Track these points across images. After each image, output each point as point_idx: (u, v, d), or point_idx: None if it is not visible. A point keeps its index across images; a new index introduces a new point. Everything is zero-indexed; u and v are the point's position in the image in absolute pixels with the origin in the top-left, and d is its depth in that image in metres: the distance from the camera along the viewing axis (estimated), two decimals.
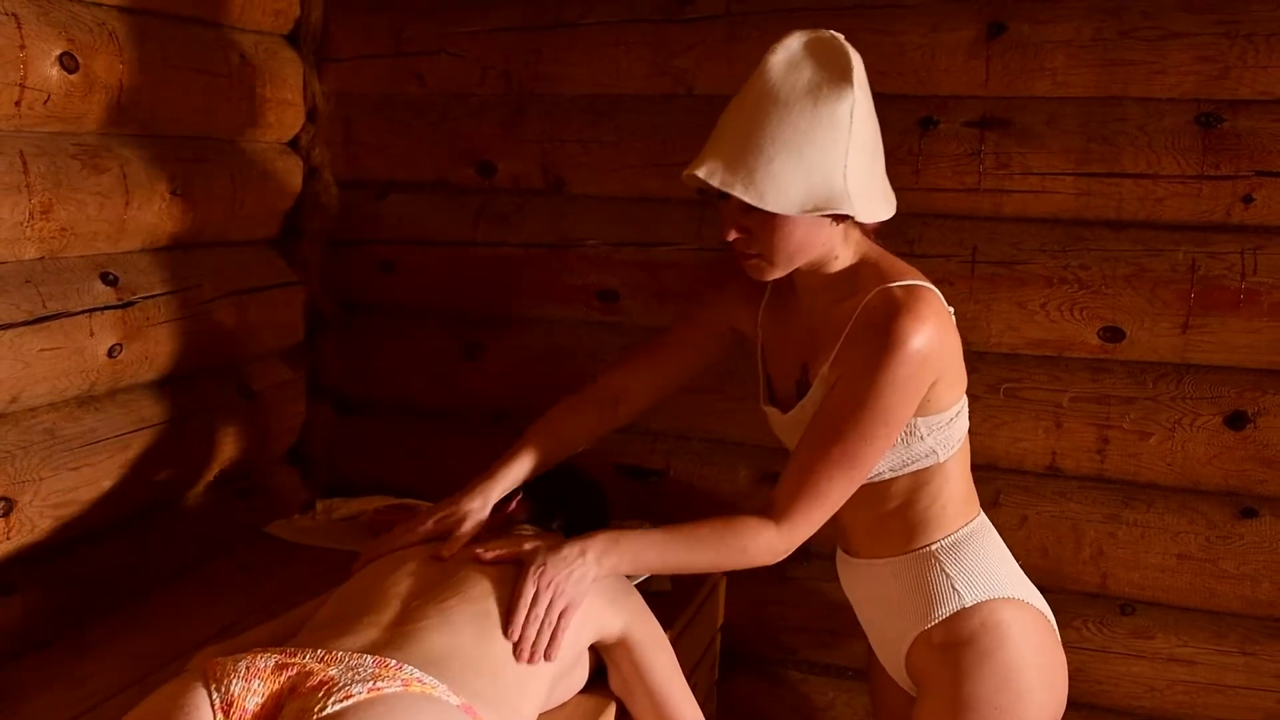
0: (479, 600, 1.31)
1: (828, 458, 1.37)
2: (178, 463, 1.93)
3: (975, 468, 1.57)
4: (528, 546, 1.41)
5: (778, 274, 1.44)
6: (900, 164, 1.88)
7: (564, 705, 1.45)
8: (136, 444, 1.82)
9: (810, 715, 2.14)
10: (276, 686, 1.10)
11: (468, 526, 1.50)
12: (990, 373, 1.91)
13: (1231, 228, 1.77)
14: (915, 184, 1.89)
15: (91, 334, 1.70)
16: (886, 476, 1.45)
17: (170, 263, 1.90)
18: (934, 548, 1.47)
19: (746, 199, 1.33)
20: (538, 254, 2.17)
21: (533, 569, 1.35)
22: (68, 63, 1.61)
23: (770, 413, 1.58)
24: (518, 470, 1.59)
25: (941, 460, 1.45)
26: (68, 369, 1.67)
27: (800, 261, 1.42)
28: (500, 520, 1.59)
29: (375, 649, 1.18)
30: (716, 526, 1.43)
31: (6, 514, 1.58)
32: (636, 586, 1.59)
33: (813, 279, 1.48)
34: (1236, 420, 1.80)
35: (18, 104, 1.55)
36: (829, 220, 1.39)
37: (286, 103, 2.18)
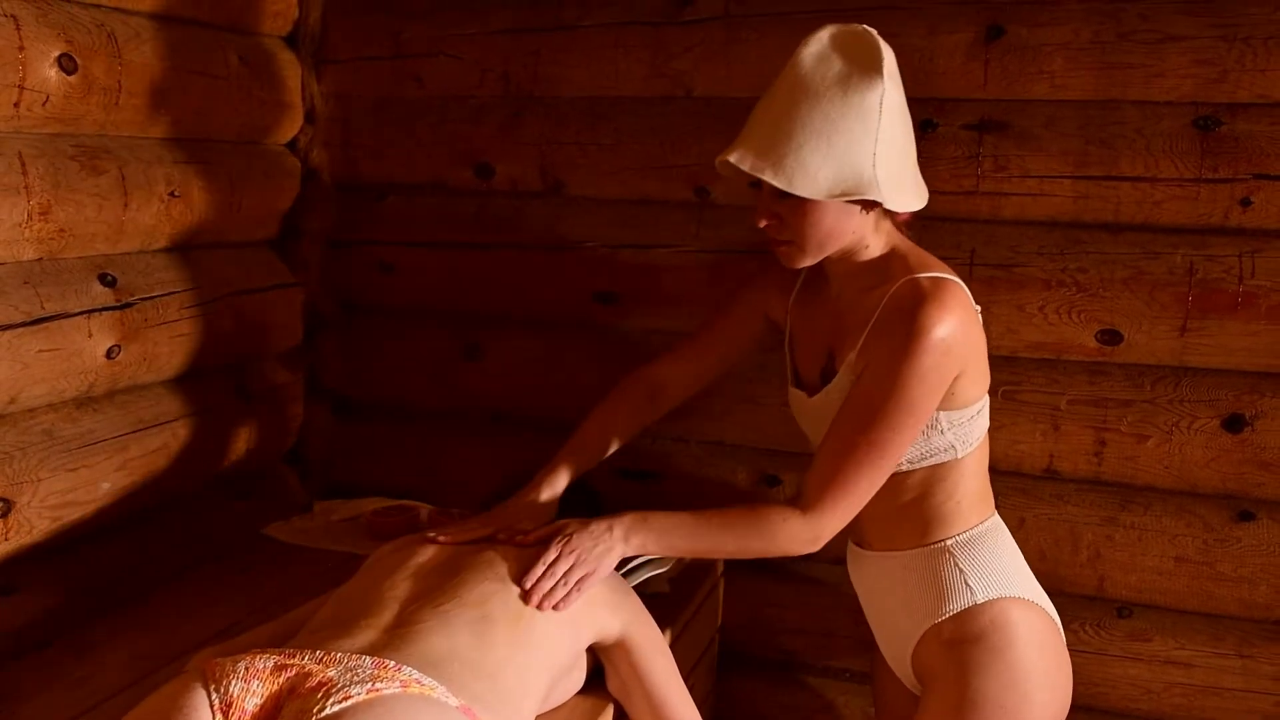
0: (476, 605, 1.31)
1: (856, 447, 1.39)
2: (176, 464, 1.93)
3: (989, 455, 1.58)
4: (560, 523, 1.47)
5: (808, 261, 1.47)
6: None
7: (562, 706, 1.46)
8: (135, 445, 1.82)
9: (808, 716, 2.14)
10: (275, 687, 1.11)
11: (534, 519, 1.54)
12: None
13: (1229, 231, 1.78)
14: None
15: (90, 335, 1.70)
16: (904, 468, 1.47)
17: (169, 264, 1.90)
18: (948, 543, 1.48)
19: (775, 183, 1.37)
20: (536, 256, 2.18)
21: (559, 538, 1.42)
22: (66, 64, 1.61)
23: (796, 396, 1.60)
24: (577, 463, 1.64)
25: (959, 456, 1.47)
26: (66, 370, 1.67)
27: (830, 249, 1.45)
28: None
29: (374, 650, 1.18)
30: (745, 513, 1.46)
31: (5, 515, 1.58)
32: (635, 588, 1.59)
33: (842, 267, 1.50)
34: (1234, 423, 1.80)
35: (16, 105, 1.55)
36: (858, 208, 1.42)
37: (285, 104, 2.18)
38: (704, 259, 2.06)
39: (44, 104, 1.59)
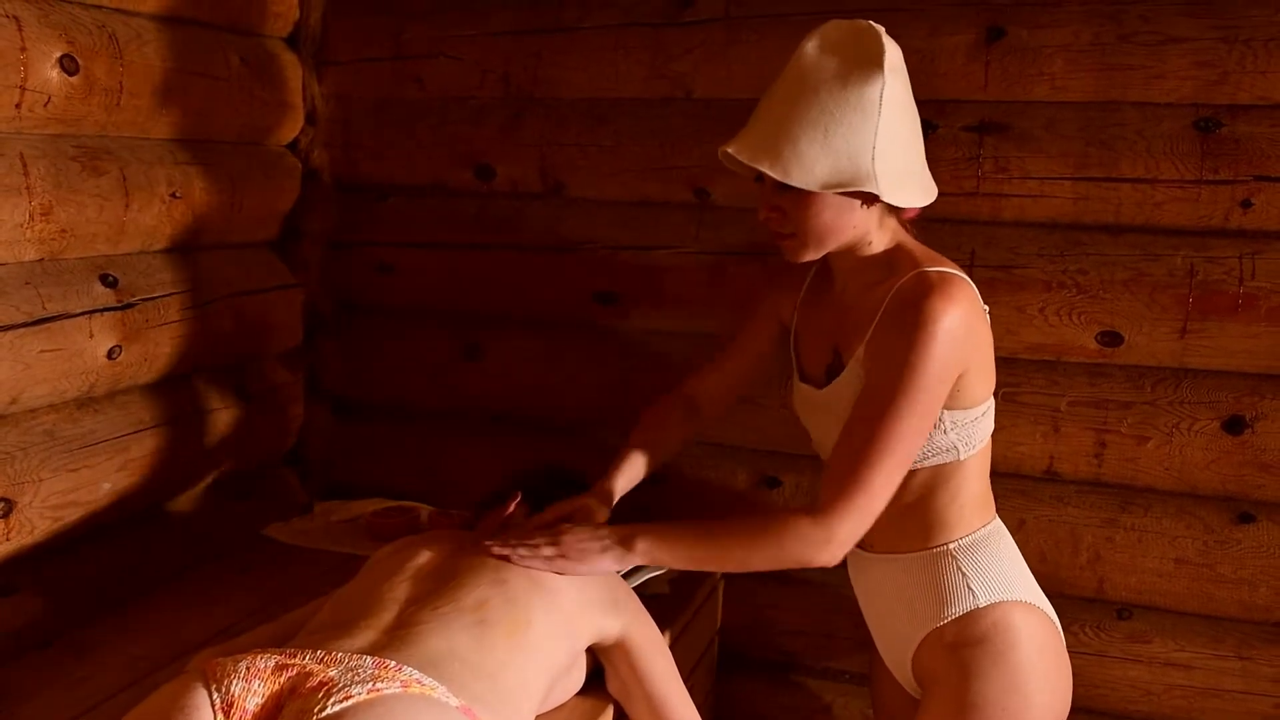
0: (473, 609, 1.31)
1: (869, 443, 1.37)
2: (177, 464, 1.93)
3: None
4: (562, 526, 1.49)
5: (810, 255, 1.47)
6: None
7: (562, 707, 1.46)
8: (136, 445, 1.83)
9: (807, 718, 2.14)
10: (276, 687, 1.11)
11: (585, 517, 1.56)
12: None
13: (1230, 232, 1.78)
14: None
15: (91, 335, 1.70)
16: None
17: (170, 265, 1.90)
18: (951, 546, 1.47)
19: (772, 174, 1.37)
20: (536, 257, 2.18)
21: (550, 532, 1.45)
22: (68, 65, 1.61)
23: (802, 391, 1.59)
24: (631, 472, 1.66)
25: (962, 458, 1.46)
26: (67, 370, 1.67)
27: (832, 244, 1.45)
28: (499, 521, 1.59)
29: (374, 651, 1.18)
30: (756, 520, 1.46)
31: (6, 515, 1.58)
32: (635, 589, 1.59)
33: (847, 263, 1.50)
34: (1234, 425, 1.80)
35: (18, 106, 1.55)
36: (859, 203, 1.41)
37: (286, 105, 2.18)
38: (704, 260, 2.06)
39: (46, 105, 1.59)
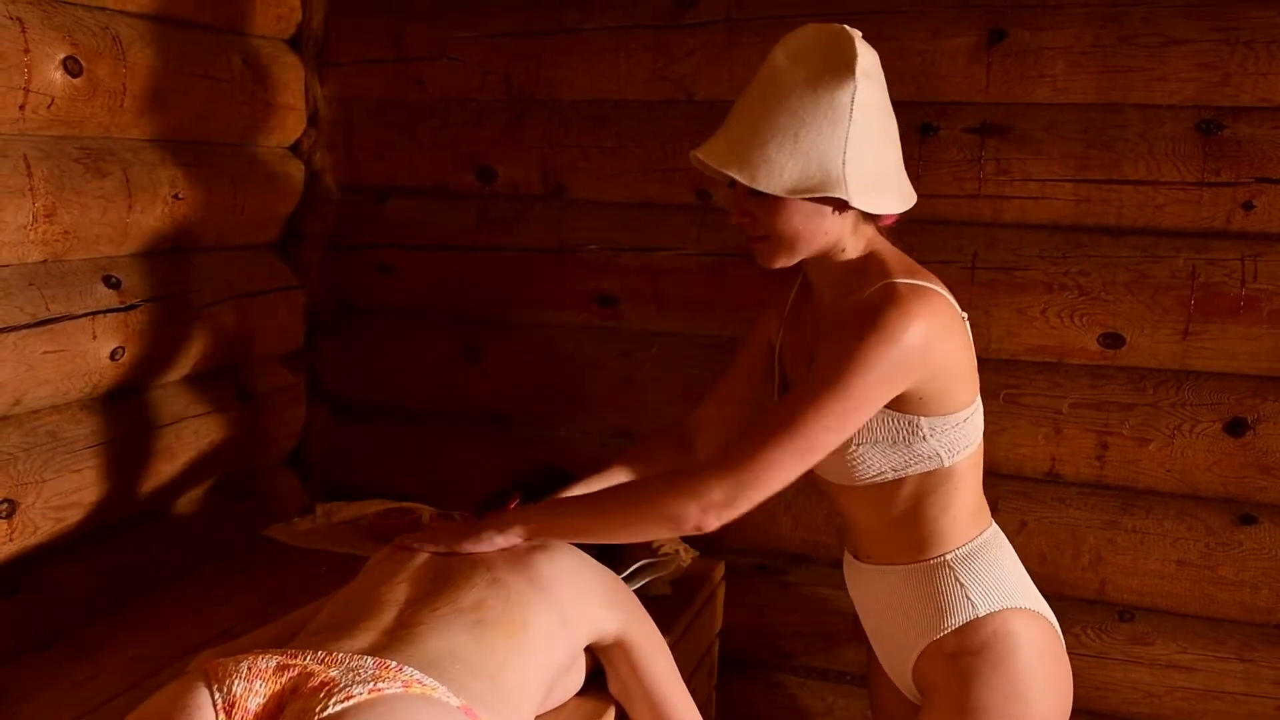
0: (471, 610, 1.31)
1: (782, 425, 1.35)
2: (179, 465, 1.93)
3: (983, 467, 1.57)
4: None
5: (783, 261, 1.44)
6: None
7: (563, 707, 1.46)
8: (138, 447, 1.83)
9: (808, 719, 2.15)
10: (278, 687, 1.11)
11: None
12: (990, 379, 1.90)
13: (1232, 234, 1.78)
14: (915, 190, 1.89)
15: (94, 337, 1.70)
16: (890, 477, 1.44)
17: (172, 266, 1.90)
18: (948, 557, 1.45)
19: (740, 178, 1.36)
20: (538, 259, 2.18)
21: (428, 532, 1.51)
22: (71, 67, 1.61)
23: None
24: (593, 488, 1.61)
25: (946, 465, 1.43)
26: (70, 372, 1.67)
27: (804, 250, 1.43)
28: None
29: (375, 651, 1.19)
30: (653, 478, 1.47)
31: (10, 516, 1.58)
32: (636, 591, 1.59)
33: (822, 272, 1.48)
34: (1236, 427, 1.80)
35: (22, 108, 1.55)
36: (830, 209, 1.39)
37: (288, 107, 2.19)
38: (705, 262, 2.06)
39: (49, 106, 1.60)
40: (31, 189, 1.58)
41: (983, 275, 1.88)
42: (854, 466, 1.44)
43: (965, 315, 1.44)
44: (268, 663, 1.13)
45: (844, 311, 1.41)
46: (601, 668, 1.51)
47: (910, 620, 1.49)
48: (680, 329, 2.10)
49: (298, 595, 1.65)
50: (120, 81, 1.71)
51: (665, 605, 1.78)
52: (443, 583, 1.36)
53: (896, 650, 1.54)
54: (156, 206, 1.82)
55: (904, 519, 1.47)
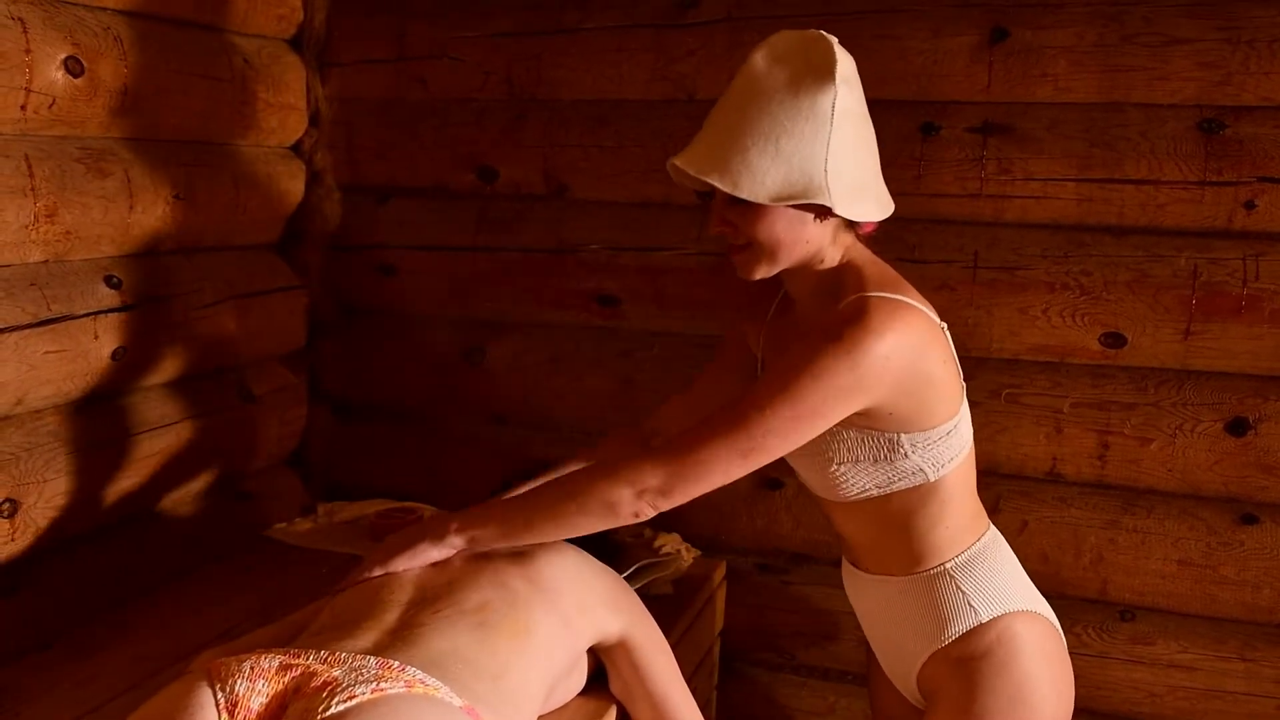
0: (474, 612, 1.31)
1: (719, 424, 1.33)
2: (179, 465, 1.93)
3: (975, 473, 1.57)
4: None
5: (763, 271, 1.42)
6: (902, 170, 1.88)
7: (565, 708, 1.45)
8: (139, 446, 1.83)
9: (809, 719, 2.15)
10: (280, 687, 1.11)
11: None
12: (991, 378, 1.91)
13: (1234, 234, 1.78)
14: (917, 189, 1.90)
15: (95, 337, 1.70)
16: (874, 494, 1.42)
17: (173, 266, 1.90)
18: (947, 565, 1.44)
19: (721, 186, 1.33)
20: (538, 259, 2.18)
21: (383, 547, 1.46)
22: (73, 67, 1.61)
23: None
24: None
25: (932, 479, 1.41)
26: (72, 371, 1.67)
27: (785, 260, 1.40)
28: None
29: (377, 651, 1.19)
30: (590, 468, 1.43)
31: (11, 515, 1.58)
32: (638, 590, 1.59)
33: (801, 283, 1.46)
34: (1237, 426, 1.80)
35: (23, 108, 1.55)
36: (812, 216, 1.36)
37: (289, 107, 2.19)
38: (706, 262, 2.06)
39: (50, 106, 1.60)
40: (33, 189, 1.58)
41: (984, 275, 1.88)
42: (838, 484, 1.44)
43: (945, 325, 1.41)
44: (270, 662, 1.13)
45: (818, 323, 1.38)
46: (603, 667, 1.51)
47: (913, 629, 1.48)
48: (681, 329, 2.10)
49: (299, 595, 1.65)
50: (122, 81, 1.71)
51: (666, 605, 1.78)
52: (446, 584, 1.36)
53: (899, 657, 1.53)
54: (158, 206, 1.82)
55: (897, 533, 1.46)
